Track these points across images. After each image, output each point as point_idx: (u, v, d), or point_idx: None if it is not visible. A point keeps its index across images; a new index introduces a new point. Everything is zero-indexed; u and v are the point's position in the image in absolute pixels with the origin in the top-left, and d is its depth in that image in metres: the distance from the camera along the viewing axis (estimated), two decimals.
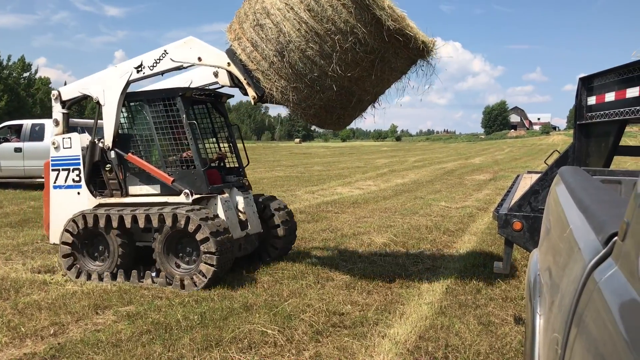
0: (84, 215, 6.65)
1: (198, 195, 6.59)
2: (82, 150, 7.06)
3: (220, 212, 6.62)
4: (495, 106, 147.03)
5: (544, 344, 1.81)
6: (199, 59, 6.35)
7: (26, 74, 68.73)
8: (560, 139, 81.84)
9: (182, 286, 6.19)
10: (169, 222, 6.20)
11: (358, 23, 5.36)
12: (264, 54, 5.77)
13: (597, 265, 1.27)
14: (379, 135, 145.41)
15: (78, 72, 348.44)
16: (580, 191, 2.12)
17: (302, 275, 6.77)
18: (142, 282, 6.47)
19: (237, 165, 7.74)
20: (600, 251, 1.30)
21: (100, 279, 6.61)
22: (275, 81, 5.84)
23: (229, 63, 6.16)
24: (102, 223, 6.54)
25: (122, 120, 7.06)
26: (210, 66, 6.47)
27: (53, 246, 8.54)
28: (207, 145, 7.71)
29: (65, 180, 7.14)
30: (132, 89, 6.98)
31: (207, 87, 7.11)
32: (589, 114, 5.21)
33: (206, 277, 6.08)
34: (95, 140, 6.97)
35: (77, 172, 7.06)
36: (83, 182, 7.03)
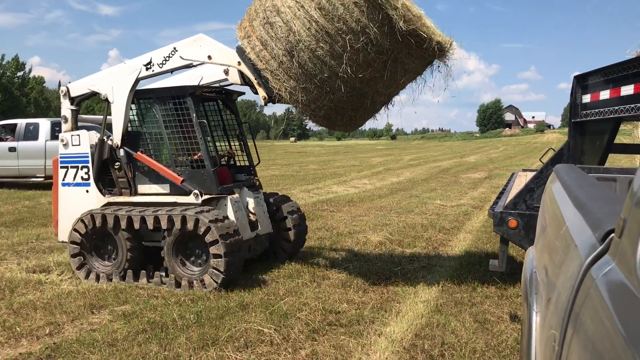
0: (92, 215, 6.55)
1: (208, 196, 6.51)
2: (91, 147, 6.97)
3: (230, 213, 6.52)
4: (490, 104, 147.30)
5: (541, 340, 1.81)
6: (209, 57, 6.25)
7: (20, 73, 68.40)
8: (555, 137, 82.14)
9: (191, 287, 6.12)
10: (177, 224, 6.11)
11: (370, 22, 5.21)
12: (273, 53, 5.63)
13: (594, 262, 1.28)
14: (374, 134, 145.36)
15: (72, 71, 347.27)
16: (576, 189, 2.13)
17: (297, 273, 6.77)
18: (151, 282, 6.38)
19: (247, 164, 7.63)
20: (597, 248, 1.30)
21: (109, 279, 6.53)
22: (284, 81, 5.71)
23: (239, 62, 6.04)
24: (117, 224, 6.44)
25: (131, 118, 6.98)
26: (220, 65, 6.36)
27: (48, 246, 8.53)
28: (216, 143, 7.62)
29: (74, 178, 7.05)
30: (140, 86, 6.91)
31: (217, 84, 7.00)
32: (584, 112, 5.23)
33: (216, 282, 6.00)
34: (104, 138, 6.89)
35: (85, 169, 6.98)
36: (92, 180, 6.94)
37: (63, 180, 7.13)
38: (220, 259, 5.97)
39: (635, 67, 4.50)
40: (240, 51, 5.98)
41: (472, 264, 7.40)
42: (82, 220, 6.61)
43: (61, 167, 7.15)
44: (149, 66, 6.57)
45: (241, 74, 6.24)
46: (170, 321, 5.13)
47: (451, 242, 9.07)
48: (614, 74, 4.73)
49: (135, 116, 7.06)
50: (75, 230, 6.68)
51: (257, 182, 7.42)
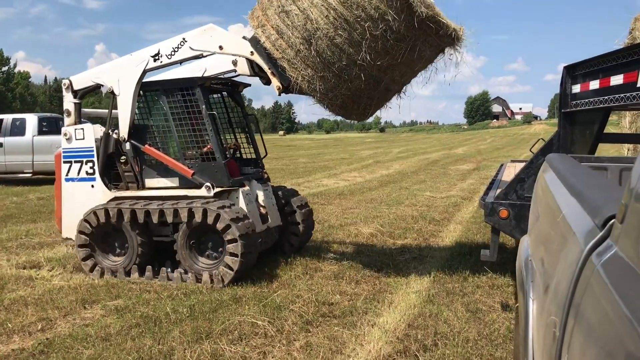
0: (106, 209, 6.40)
1: (220, 189, 6.42)
2: (96, 141, 6.84)
3: (242, 205, 6.44)
4: (478, 96, 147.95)
5: (538, 327, 1.83)
6: (220, 47, 6.14)
7: (5, 68, 67.71)
8: (542, 129, 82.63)
9: (200, 281, 6.07)
10: (198, 217, 6.00)
11: (389, 9, 5.13)
12: (290, 42, 5.55)
13: (594, 249, 1.29)
14: (363, 127, 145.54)
15: (58, 66, 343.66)
16: (571, 177, 2.14)
17: (290, 266, 6.78)
18: (157, 278, 6.30)
19: (253, 156, 7.54)
20: (597, 234, 1.32)
21: (119, 274, 6.44)
22: (301, 70, 5.63)
23: (252, 52, 5.94)
24: (134, 218, 6.35)
25: (138, 111, 6.84)
26: (232, 55, 6.25)
27: (37, 242, 8.47)
28: (222, 136, 7.51)
29: (78, 173, 6.91)
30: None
31: (222, 76, 6.89)
32: (574, 102, 5.26)
33: (232, 271, 5.94)
34: (110, 131, 6.77)
35: (90, 164, 6.83)
36: (97, 175, 6.81)
37: (67, 175, 6.99)
38: (235, 258, 5.90)
39: (624, 57, 4.53)
40: (255, 41, 5.89)
41: (463, 255, 7.44)
42: (95, 214, 6.43)
43: (64, 162, 6.99)
44: (156, 57, 6.45)
45: (251, 64, 6.16)
46: (164, 315, 5.12)
47: (441, 233, 9.12)
48: (604, 64, 4.76)
49: (141, 109, 6.92)
50: (85, 221, 6.49)
51: (266, 175, 7.34)
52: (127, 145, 6.71)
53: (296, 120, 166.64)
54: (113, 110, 6.83)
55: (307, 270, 6.64)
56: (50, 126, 16.60)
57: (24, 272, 6.77)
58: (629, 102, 4.41)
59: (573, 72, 5.32)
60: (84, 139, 6.89)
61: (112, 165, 6.90)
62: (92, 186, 6.84)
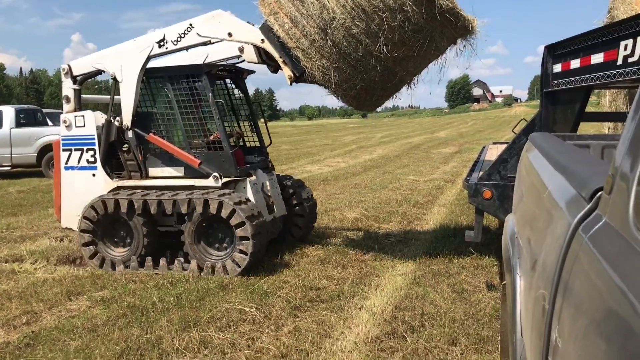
0: (116, 200, 6.25)
1: (227, 179, 6.30)
2: (97, 129, 6.66)
3: (250, 195, 6.33)
4: (458, 80, 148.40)
5: (526, 302, 1.85)
6: (229, 34, 5.98)
7: None
8: (522, 111, 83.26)
9: (213, 272, 5.99)
10: (213, 208, 5.89)
11: (408, 0, 5.02)
12: (305, 31, 5.41)
13: (582, 221, 1.30)
14: (345, 113, 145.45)
15: (34, 57, 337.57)
16: (556, 154, 2.16)
17: (276, 252, 6.77)
18: (157, 269, 6.21)
19: (257, 144, 7.42)
20: (584, 207, 1.32)
21: (126, 266, 6.34)
22: (316, 60, 5.49)
23: (263, 40, 5.80)
24: (145, 208, 6.22)
25: (141, 98, 6.66)
26: (241, 42, 6.08)
27: (19, 235, 8.36)
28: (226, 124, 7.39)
29: (79, 161, 6.72)
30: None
31: (224, 62, 6.73)
32: (555, 82, 5.30)
33: (241, 266, 5.88)
34: (111, 118, 6.60)
35: (91, 152, 6.65)
36: (99, 164, 6.64)
37: (66, 163, 6.80)
38: (247, 241, 5.81)
39: (604, 35, 4.56)
40: (267, 28, 5.75)
41: (447, 236, 7.50)
42: (104, 202, 6.29)
43: (63, 150, 6.80)
44: (162, 43, 6.27)
45: (259, 52, 6.02)
46: (150, 304, 5.09)
47: (425, 216, 9.17)
48: (584, 43, 4.79)
49: (145, 96, 6.74)
50: (92, 207, 6.34)
51: (270, 164, 7.25)
52: (130, 134, 6.53)
53: (278, 107, 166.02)
54: (115, 97, 6.67)
55: (294, 256, 6.65)
56: (28, 118, 16.34)
57: (6, 265, 6.67)
58: (609, 80, 4.45)
59: (554, 52, 5.35)
60: (84, 126, 6.70)
61: (113, 153, 6.75)
62: (94, 175, 6.67)
